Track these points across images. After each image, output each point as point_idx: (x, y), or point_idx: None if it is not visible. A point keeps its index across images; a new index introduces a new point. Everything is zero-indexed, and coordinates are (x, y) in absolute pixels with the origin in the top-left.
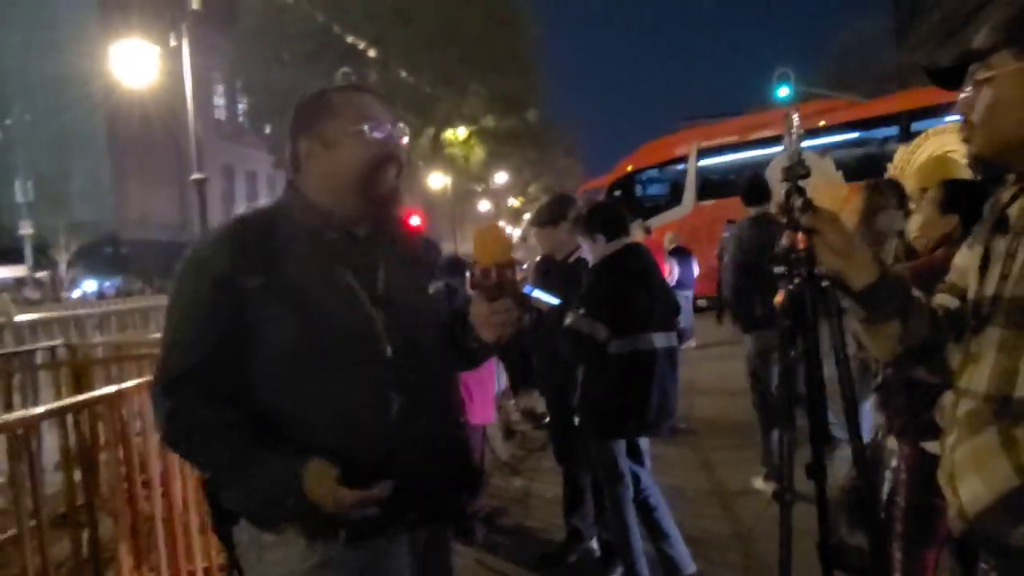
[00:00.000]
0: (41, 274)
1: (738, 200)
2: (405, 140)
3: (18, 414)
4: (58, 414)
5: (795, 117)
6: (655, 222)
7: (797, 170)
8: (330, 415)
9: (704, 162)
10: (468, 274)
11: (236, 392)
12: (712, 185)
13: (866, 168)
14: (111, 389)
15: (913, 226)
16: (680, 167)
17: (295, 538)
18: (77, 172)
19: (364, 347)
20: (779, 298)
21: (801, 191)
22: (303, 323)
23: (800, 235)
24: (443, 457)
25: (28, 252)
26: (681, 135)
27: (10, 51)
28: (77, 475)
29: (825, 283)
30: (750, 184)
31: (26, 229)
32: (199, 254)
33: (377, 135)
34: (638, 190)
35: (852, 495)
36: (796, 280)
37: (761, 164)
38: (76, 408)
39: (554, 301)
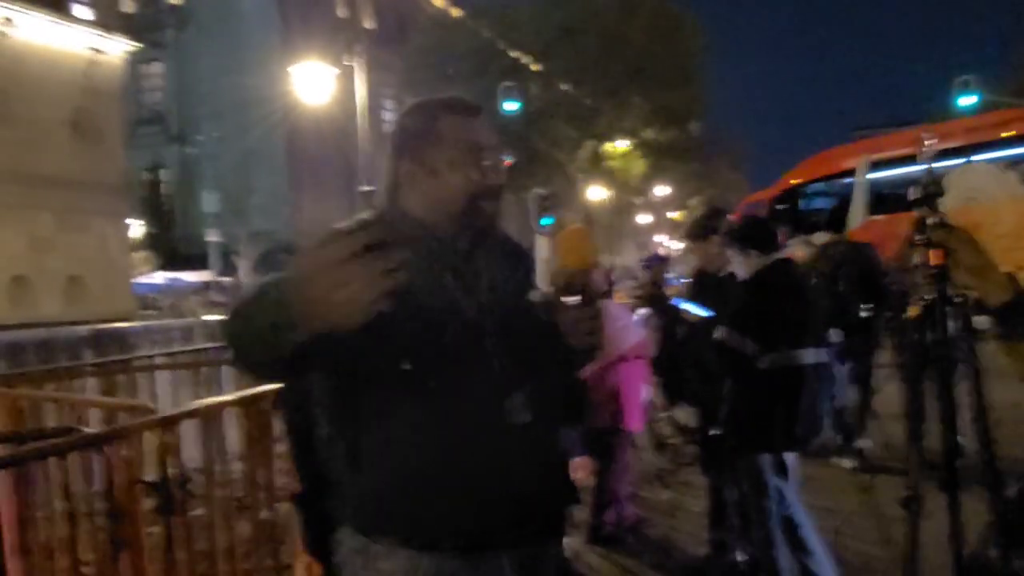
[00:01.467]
0: (225, 279)
1: (910, 216)
2: (505, 167)
3: (206, 401)
4: (237, 403)
5: (928, 138)
6: (822, 237)
7: (931, 188)
8: (445, 422)
9: (875, 175)
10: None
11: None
12: (884, 199)
13: None
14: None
15: None
16: (849, 180)
17: (402, 549)
18: (258, 185)
19: (474, 357)
20: (913, 312)
21: (935, 209)
22: (418, 328)
23: (934, 252)
24: (549, 472)
25: (214, 258)
26: (850, 147)
27: (204, 74)
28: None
29: (958, 299)
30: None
31: (213, 237)
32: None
33: (479, 168)
34: (803, 204)
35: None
36: (929, 296)
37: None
38: (252, 400)
39: (704, 313)
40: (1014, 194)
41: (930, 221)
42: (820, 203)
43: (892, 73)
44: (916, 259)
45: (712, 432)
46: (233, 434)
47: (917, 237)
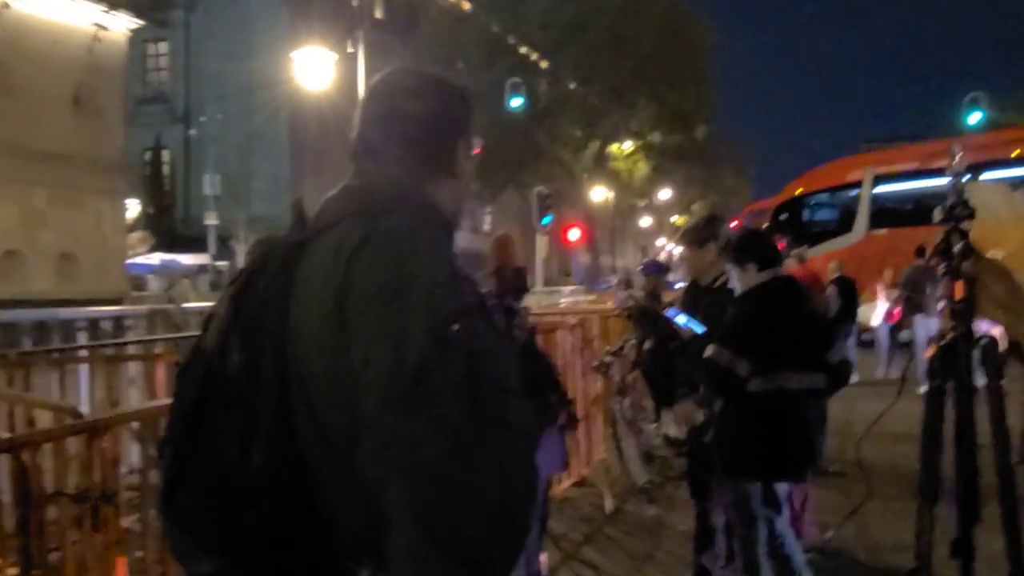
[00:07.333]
0: (221, 263)
1: (911, 231)
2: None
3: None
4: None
5: (958, 150)
6: (822, 249)
7: (960, 211)
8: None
9: (879, 189)
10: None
11: None
12: (886, 213)
13: None
14: None
15: None
16: (852, 193)
17: None
18: (260, 170)
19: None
20: (929, 352)
21: (963, 234)
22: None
23: (959, 284)
24: None
25: (212, 241)
26: (855, 159)
27: (210, 56)
28: None
29: (983, 339)
30: None
31: (211, 220)
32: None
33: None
34: (806, 214)
35: None
36: (950, 334)
37: (941, 194)
38: None
39: (698, 328)
40: (1021, 215)
41: (956, 247)
42: (823, 214)
43: (902, 87)
44: (939, 290)
45: (699, 450)
46: None
47: (941, 266)
